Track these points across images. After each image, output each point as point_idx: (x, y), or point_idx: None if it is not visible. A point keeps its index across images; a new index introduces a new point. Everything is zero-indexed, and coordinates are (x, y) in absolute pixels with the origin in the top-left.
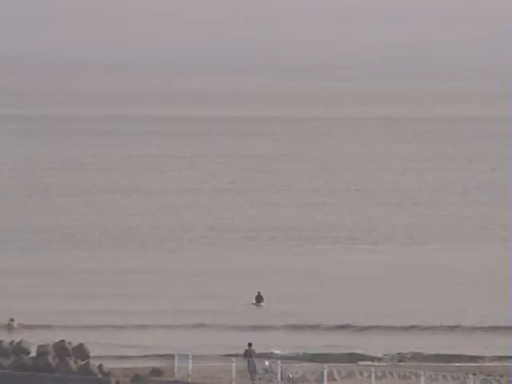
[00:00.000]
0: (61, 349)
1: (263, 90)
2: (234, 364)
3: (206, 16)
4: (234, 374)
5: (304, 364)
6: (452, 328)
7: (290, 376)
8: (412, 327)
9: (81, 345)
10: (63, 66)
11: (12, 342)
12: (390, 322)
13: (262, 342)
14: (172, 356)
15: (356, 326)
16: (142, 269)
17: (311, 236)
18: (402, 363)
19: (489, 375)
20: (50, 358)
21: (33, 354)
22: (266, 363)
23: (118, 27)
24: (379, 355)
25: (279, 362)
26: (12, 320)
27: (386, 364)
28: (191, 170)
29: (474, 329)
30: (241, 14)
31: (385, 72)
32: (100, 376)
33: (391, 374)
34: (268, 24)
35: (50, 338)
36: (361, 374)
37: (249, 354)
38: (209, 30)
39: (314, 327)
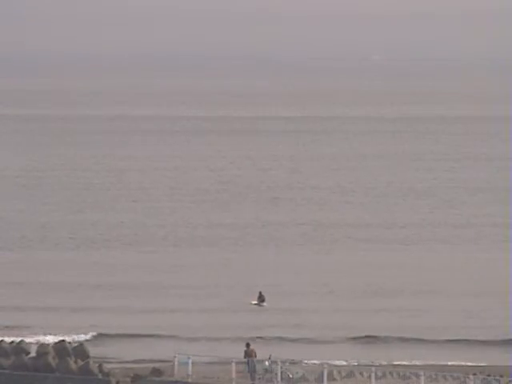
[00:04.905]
0: (61, 349)
1: (264, 89)
2: (233, 364)
3: (205, 14)
4: (234, 374)
5: (304, 364)
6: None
7: (290, 376)
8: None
9: (81, 345)
10: (63, 66)
11: (12, 341)
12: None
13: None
14: (172, 356)
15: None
16: (145, 267)
17: (325, 235)
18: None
19: (489, 375)
20: (50, 358)
21: (33, 353)
22: (266, 363)
23: (117, 27)
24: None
25: (279, 362)
26: None
27: (385, 364)
28: (199, 170)
29: None
30: (241, 14)
31: (388, 72)
32: (100, 376)
33: (391, 374)
34: (269, 24)
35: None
36: (361, 374)
37: (249, 354)
38: (208, 30)
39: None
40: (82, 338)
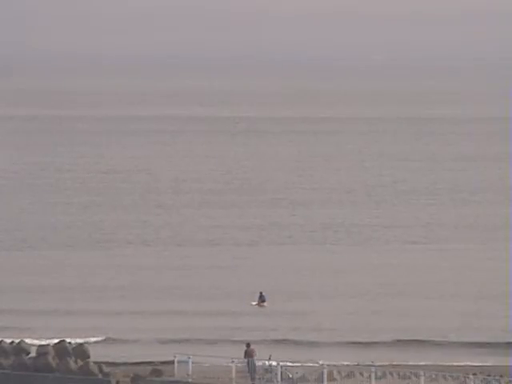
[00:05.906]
0: (61, 349)
1: (264, 89)
2: (234, 364)
3: (205, 14)
4: (234, 374)
5: (304, 364)
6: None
7: (290, 376)
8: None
9: (81, 345)
10: (65, 66)
11: (12, 342)
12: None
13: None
14: (172, 356)
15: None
16: (147, 265)
17: (328, 236)
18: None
19: (489, 375)
20: (50, 358)
21: (33, 354)
22: (266, 363)
23: (117, 28)
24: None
25: (279, 361)
26: None
27: (385, 364)
28: (204, 170)
29: None
30: (241, 14)
31: (388, 72)
32: (100, 376)
33: (391, 374)
34: (269, 24)
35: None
36: (361, 374)
37: (249, 354)
38: (208, 30)
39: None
40: (85, 340)
